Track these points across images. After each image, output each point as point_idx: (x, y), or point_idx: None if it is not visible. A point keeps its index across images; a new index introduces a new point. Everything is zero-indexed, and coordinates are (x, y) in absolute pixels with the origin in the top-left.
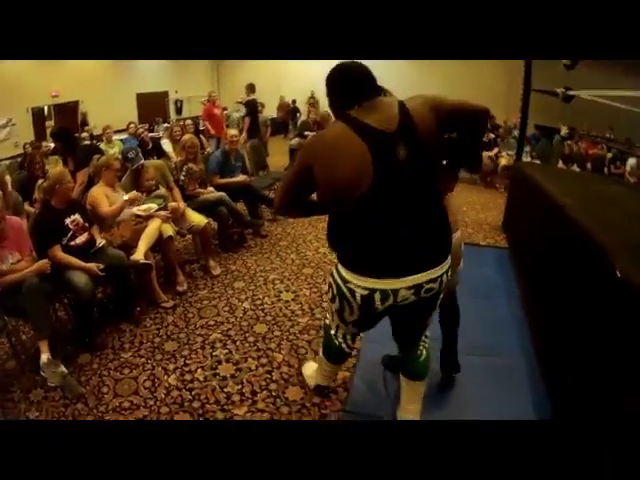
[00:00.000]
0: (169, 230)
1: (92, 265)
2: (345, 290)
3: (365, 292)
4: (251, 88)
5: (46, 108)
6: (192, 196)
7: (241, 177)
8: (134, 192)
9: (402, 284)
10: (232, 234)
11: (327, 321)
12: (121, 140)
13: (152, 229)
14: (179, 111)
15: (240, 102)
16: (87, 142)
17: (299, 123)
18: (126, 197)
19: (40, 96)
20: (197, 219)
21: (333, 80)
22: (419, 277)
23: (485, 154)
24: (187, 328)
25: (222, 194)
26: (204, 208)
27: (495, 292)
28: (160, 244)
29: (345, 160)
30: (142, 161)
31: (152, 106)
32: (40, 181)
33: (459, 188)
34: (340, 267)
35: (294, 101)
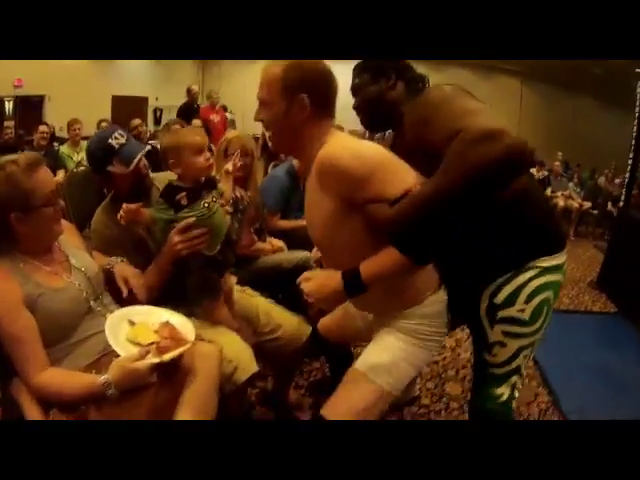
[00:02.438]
0: (249, 365)
1: None
2: (550, 284)
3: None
4: None
5: (10, 105)
6: (246, 258)
7: None
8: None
9: None
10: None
11: (498, 390)
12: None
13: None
14: (157, 121)
15: None
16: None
17: None
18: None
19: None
20: (289, 321)
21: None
22: None
23: None
24: None
25: (307, 255)
26: (272, 281)
27: None
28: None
29: None
30: (147, 148)
31: (129, 112)
32: None
33: None
34: (539, 262)
35: None
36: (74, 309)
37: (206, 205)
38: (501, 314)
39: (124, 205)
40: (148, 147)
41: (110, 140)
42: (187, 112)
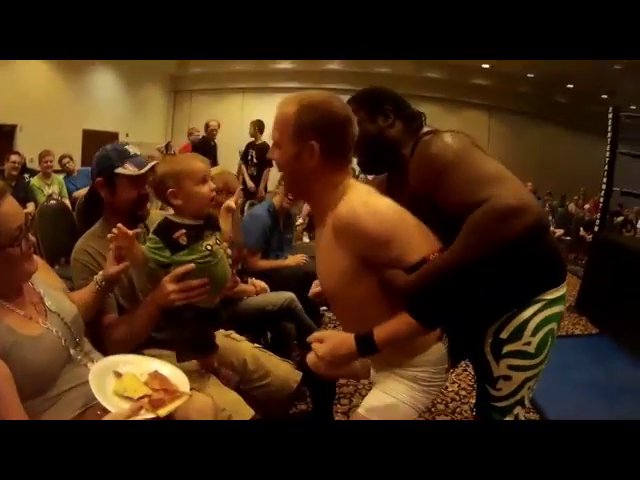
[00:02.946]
0: (243, 411)
1: None
2: (554, 316)
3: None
4: (259, 126)
5: None
6: (229, 300)
7: (297, 257)
8: None
9: None
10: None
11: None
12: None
13: None
14: None
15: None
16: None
17: None
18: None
19: None
20: (278, 368)
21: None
22: None
23: None
24: None
25: (291, 296)
26: (256, 324)
27: None
28: None
29: None
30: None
31: (99, 146)
32: None
33: None
34: (543, 296)
35: None
36: (52, 359)
37: (209, 248)
38: (507, 349)
39: (119, 225)
40: (157, 161)
41: (126, 146)
42: (204, 149)
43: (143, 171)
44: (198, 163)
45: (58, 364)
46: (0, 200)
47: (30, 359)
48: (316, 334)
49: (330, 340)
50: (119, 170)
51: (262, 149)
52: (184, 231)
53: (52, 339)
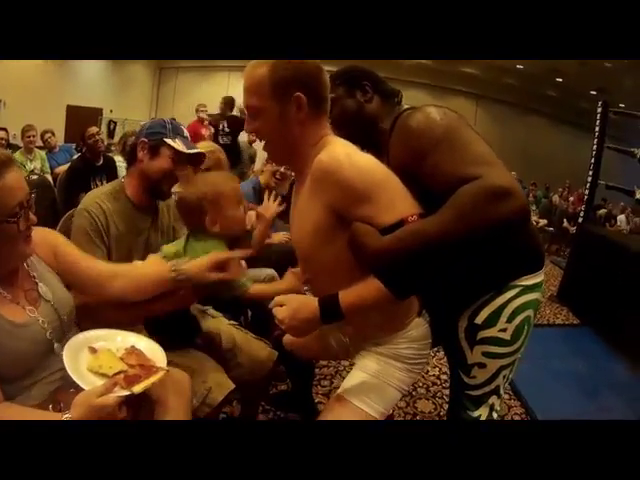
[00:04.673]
0: (224, 383)
1: None
2: (531, 302)
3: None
4: (229, 104)
5: None
6: None
7: (280, 235)
8: None
9: None
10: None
11: (475, 412)
12: (48, 151)
13: None
14: (111, 134)
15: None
16: None
17: None
18: None
19: None
20: (253, 348)
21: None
22: None
23: None
24: None
25: (272, 273)
26: (233, 301)
27: None
28: None
29: None
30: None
31: (83, 122)
32: None
33: None
34: (520, 281)
35: None
36: (32, 349)
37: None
38: (482, 335)
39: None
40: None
41: (183, 127)
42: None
43: (188, 151)
44: (232, 183)
45: (37, 355)
46: (4, 171)
47: (10, 346)
48: (277, 298)
49: (291, 303)
50: (169, 141)
51: (234, 118)
52: None
53: (36, 329)
